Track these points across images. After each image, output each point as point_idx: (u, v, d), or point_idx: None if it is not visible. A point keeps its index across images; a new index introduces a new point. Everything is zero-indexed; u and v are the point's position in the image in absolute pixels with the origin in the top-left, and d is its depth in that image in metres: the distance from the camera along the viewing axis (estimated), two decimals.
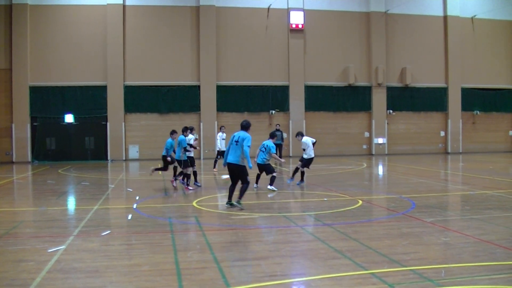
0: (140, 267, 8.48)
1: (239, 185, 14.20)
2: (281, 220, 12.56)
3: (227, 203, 14.17)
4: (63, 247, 9.90)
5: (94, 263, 8.76)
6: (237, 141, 13.95)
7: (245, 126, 14.33)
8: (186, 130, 19.59)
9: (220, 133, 26.80)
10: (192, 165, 19.43)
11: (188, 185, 19.01)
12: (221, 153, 25.69)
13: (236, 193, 14.15)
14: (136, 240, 10.72)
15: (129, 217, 13.32)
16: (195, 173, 19.81)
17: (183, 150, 18.87)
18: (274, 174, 18.22)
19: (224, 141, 26.32)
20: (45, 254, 9.37)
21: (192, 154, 19.75)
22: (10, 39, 36.52)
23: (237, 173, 14.04)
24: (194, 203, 15.40)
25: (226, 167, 14.27)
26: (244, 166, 14.00)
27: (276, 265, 8.46)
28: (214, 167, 26.41)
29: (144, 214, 13.62)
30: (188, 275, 7.98)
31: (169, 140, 19.44)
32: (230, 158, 13.99)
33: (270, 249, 9.59)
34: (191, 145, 19.59)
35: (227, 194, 14.26)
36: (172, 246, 9.90)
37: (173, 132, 19.58)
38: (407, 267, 8.17)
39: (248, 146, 13.86)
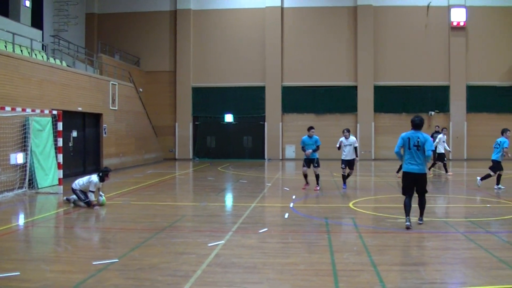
0: (296, 266, 8.54)
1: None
2: (441, 225, 12.08)
3: (407, 221, 11.42)
4: (222, 242, 10.22)
5: (252, 259, 8.95)
6: (418, 145, 11.56)
7: (419, 125, 11.82)
8: None
9: (440, 135, 24.62)
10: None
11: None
12: (441, 157, 24.20)
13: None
14: (292, 239, 10.81)
15: (286, 215, 13.46)
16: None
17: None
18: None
19: (444, 143, 24.49)
20: (206, 248, 9.71)
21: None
22: (174, 43, 38.64)
23: (421, 183, 11.70)
24: (350, 204, 15.28)
25: (402, 176, 12.08)
26: (426, 174, 11.91)
27: (436, 272, 8.15)
28: (446, 170, 24.56)
29: (301, 214, 13.72)
30: (345, 276, 7.90)
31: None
32: (413, 167, 11.60)
33: (429, 255, 9.26)
34: None
35: (404, 211, 11.62)
36: (329, 246, 9.87)
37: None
38: None
39: (432, 150, 11.87)
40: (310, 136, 18.62)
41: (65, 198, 15.81)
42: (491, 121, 36.72)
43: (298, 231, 11.61)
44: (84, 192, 15.00)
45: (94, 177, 14.96)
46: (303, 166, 18.93)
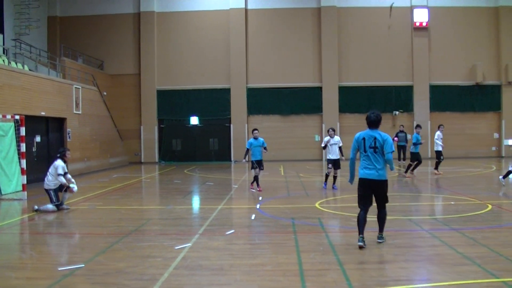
0: (263, 267, 8.57)
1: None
2: (406, 223, 12.24)
3: (360, 241, 9.65)
4: (189, 244, 10.20)
5: (219, 261, 8.95)
6: (375, 147, 9.65)
7: (375, 121, 9.85)
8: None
9: (438, 132, 24.54)
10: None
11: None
12: (439, 154, 24.18)
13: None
14: (259, 240, 10.88)
15: (253, 217, 13.50)
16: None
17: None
18: None
19: (441, 140, 24.38)
20: (172, 251, 9.70)
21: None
22: (138, 45, 38.36)
23: (381, 192, 9.80)
24: (316, 205, 15.36)
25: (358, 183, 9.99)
26: (387, 181, 9.94)
27: (401, 270, 8.26)
28: (436, 168, 24.50)
29: (267, 215, 13.75)
30: (311, 276, 7.96)
31: None
32: (370, 173, 9.67)
33: (395, 253, 9.35)
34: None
35: (357, 228, 9.82)
36: (295, 246, 9.93)
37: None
38: None
39: (393, 151, 9.71)
40: (255, 138, 18.75)
41: (35, 207, 15.27)
42: (454, 120, 37.40)
43: (265, 232, 11.65)
44: (57, 193, 14.97)
45: (58, 161, 15.12)
46: (255, 168, 19.01)
